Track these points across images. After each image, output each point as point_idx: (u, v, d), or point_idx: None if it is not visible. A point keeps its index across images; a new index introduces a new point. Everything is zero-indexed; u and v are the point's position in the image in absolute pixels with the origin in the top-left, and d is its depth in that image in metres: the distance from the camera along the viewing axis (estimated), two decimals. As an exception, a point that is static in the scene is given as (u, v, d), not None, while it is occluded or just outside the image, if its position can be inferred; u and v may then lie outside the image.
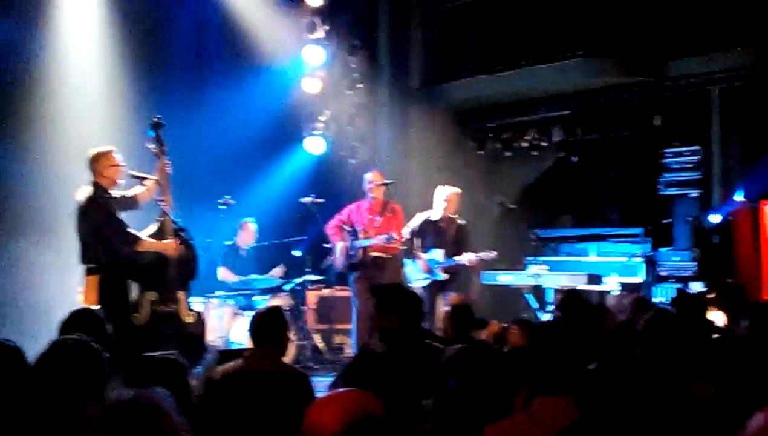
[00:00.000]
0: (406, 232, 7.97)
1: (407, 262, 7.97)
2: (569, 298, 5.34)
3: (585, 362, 2.63)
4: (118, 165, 5.89)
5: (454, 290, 7.58)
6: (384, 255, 7.78)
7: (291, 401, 3.85)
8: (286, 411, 3.77)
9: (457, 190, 8.03)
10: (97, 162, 5.86)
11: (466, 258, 7.69)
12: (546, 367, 2.70)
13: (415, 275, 7.90)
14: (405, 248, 7.91)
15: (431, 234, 7.91)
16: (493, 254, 7.89)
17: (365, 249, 7.80)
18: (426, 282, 7.80)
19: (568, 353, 2.73)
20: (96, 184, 5.83)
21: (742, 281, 6.91)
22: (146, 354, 3.66)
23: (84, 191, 5.81)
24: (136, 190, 6.13)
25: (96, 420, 1.96)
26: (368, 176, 7.92)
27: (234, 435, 3.84)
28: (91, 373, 2.73)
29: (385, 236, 7.64)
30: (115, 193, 5.96)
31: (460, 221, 8.02)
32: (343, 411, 2.04)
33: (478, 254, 7.77)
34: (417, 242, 7.89)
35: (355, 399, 2.08)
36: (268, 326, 4.13)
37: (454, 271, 7.87)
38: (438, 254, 7.81)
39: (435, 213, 7.97)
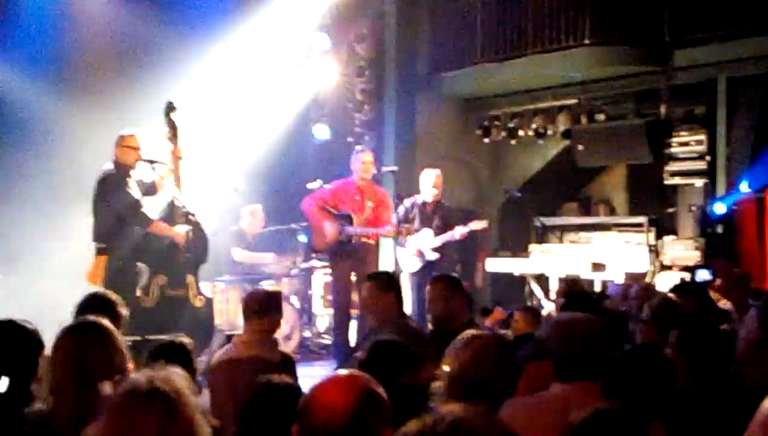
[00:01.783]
0: (393, 218, 7.81)
1: (398, 249, 7.95)
2: (571, 286, 5.40)
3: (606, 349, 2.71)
4: (131, 147, 5.99)
5: (446, 271, 7.56)
6: (369, 242, 7.61)
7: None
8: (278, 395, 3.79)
9: (438, 171, 7.96)
10: (117, 143, 6.02)
11: (457, 232, 7.64)
12: (569, 353, 2.73)
13: (408, 261, 7.89)
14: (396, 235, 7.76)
15: (419, 217, 7.87)
16: (483, 223, 7.78)
17: (357, 236, 7.47)
18: (418, 266, 7.78)
19: (591, 340, 2.77)
20: (116, 164, 5.98)
21: (742, 270, 6.94)
22: (154, 337, 3.71)
23: (103, 168, 5.94)
24: (155, 176, 6.21)
25: (112, 401, 1.99)
26: (363, 157, 7.58)
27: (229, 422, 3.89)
28: (105, 354, 2.74)
29: (387, 227, 7.49)
30: (136, 176, 6.06)
31: (444, 202, 8.01)
32: (352, 392, 2.00)
33: (467, 226, 7.67)
34: (407, 227, 7.62)
35: (361, 380, 2.07)
36: (263, 308, 4.14)
37: (445, 251, 7.82)
38: (427, 235, 7.77)
39: (422, 197, 7.93)
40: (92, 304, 3.82)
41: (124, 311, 3.91)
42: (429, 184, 7.89)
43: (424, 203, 7.93)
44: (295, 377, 4.00)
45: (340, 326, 7.47)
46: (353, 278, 7.51)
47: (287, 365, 4.05)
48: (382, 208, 7.63)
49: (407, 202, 7.96)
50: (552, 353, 2.79)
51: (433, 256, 7.72)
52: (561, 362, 2.75)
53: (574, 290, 6.18)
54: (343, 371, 2.17)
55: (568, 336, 2.78)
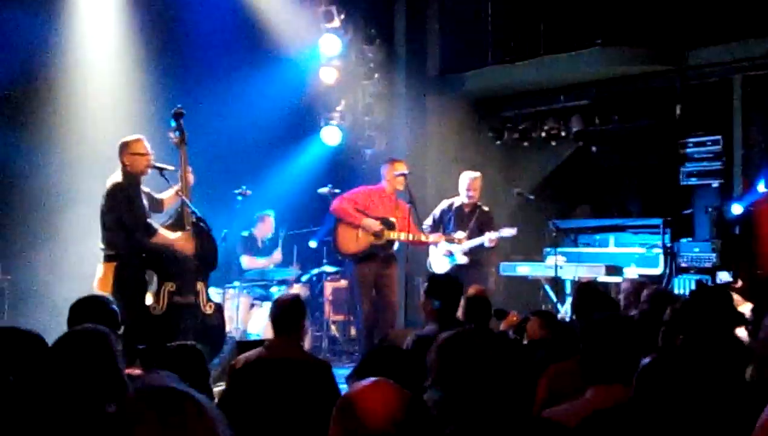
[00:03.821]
0: (428, 219, 7.94)
1: (431, 249, 7.89)
2: (584, 287, 5.31)
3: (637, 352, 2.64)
4: (141, 154, 5.89)
5: (474, 278, 7.49)
6: (389, 252, 7.57)
7: (314, 389, 3.87)
8: (309, 399, 3.79)
9: (478, 174, 7.97)
10: (121, 151, 5.91)
11: (486, 238, 7.60)
12: (600, 357, 2.71)
13: (439, 261, 7.84)
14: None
15: (454, 219, 7.85)
16: (513, 230, 7.74)
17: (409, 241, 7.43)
18: (448, 267, 7.73)
19: (622, 343, 2.74)
20: (123, 173, 5.88)
21: (764, 272, 6.84)
22: (163, 343, 3.66)
23: (112, 178, 5.86)
24: (165, 194, 6.15)
25: (124, 410, 1.94)
26: (398, 166, 7.50)
27: (258, 423, 3.85)
28: (104, 363, 2.68)
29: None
30: (146, 189, 5.99)
31: (483, 207, 7.97)
32: (395, 397, 2.03)
33: (498, 232, 7.65)
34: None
35: (396, 386, 2.06)
36: (291, 315, 4.15)
37: (476, 256, 7.77)
38: (460, 236, 7.71)
39: (460, 199, 7.92)
40: (86, 308, 3.74)
41: (119, 313, 3.83)
42: (464, 186, 7.87)
43: (462, 206, 7.88)
44: (334, 381, 4.05)
45: (368, 331, 7.38)
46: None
47: (323, 368, 4.09)
48: (404, 219, 7.42)
49: (445, 203, 7.96)
50: (584, 355, 2.77)
51: (463, 259, 7.68)
52: (593, 364, 2.73)
53: (588, 289, 6.09)
54: (374, 379, 2.16)
55: (601, 338, 2.76)
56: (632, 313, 5.00)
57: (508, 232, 7.72)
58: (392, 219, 7.40)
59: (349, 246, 7.46)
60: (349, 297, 7.95)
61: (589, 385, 2.71)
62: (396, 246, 7.58)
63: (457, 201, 7.95)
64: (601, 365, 2.69)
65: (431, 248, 7.88)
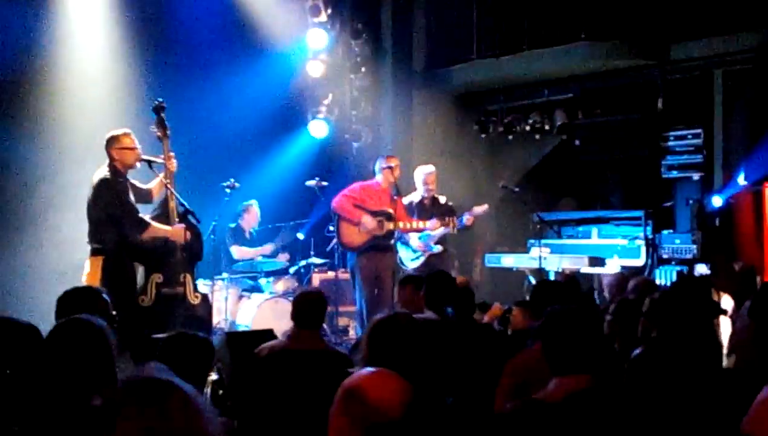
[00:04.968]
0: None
1: (399, 246, 7.98)
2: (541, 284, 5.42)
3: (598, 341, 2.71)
4: (128, 148, 5.93)
5: (447, 264, 7.63)
6: (389, 242, 7.71)
7: (337, 380, 3.96)
8: (331, 390, 3.88)
9: (433, 168, 8.06)
10: (109, 145, 5.93)
11: (465, 218, 7.70)
12: (561, 348, 2.71)
13: (409, 257, 7.94)
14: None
15: (417, 214, 7.90)
16: (484, 206, 7.86)
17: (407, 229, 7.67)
18: (420, 261, 7.85)
19: (583, 332, 2.74)
20: (111, 167, 5.89)
21: (743, 263, 6.94)
22: (157, 335, 3.70)
23: (99, 173, 5.88)
24: (152, 184, 6.21)
25: (109, 401, 1.97)
26: (392, 161, 7.66)
27: (279, 412, 3.95)
28: (99, 353, 2.70)
29: (433, 221, 7.58)
30: (134, 181, 6.04)
31: (440, 198, 8.06)
32: (399, 384, 2.10)
33: (471, 212, 7.76)
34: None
35: (396, 375, 2.10)
36: (316, 309, 4.29)
37: (446, 243, 7.93)
38: (438, 223, 7.77)
39: (417, 194, 8.03)
40: (75, 299, 3.71)
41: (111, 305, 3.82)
42: (421, 180, 7.99)
43: (422, 200, 8.00)
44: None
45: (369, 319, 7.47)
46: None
47: (345, 360, 4.15)
48: (400, 210, 7.69)
49: (405, 200, 8.00)
50: (545, 346, 2.77)
51: (437, 248, 7.80)
52: (554, 355, 2.73)
53: (544, 282, 6.20)
54: (377, 369, 2.18)
55: (560, 329, 2.76)
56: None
57: (480, 208, 7.84)
58: (390, 211, 7.54)
59: (353, 239, 7.62)
60: (351, 287, 8.01)
61: (553, 375, 2.71)
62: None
63: (416, 196, 8.04)
64: (562, 355, 2.68)
65: (399, 247, 7.95)
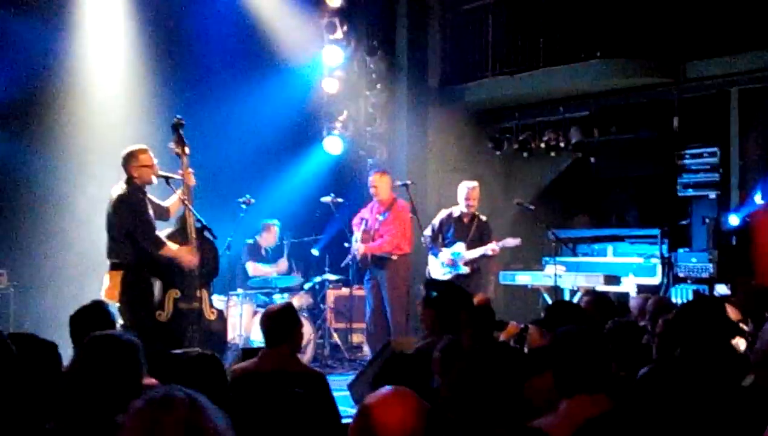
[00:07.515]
0: (427, 230, 8.08)
1: (430, 257, 8.01)
2: (597, 300, 5.37)
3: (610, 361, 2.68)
4: (147, 165, 5.95)
5: (475, 286, 7.63)
6: (391, 257, 7.77)
7: (308, 400, 3.89)
8: (304, 411, 3.82)
9: (476, 184, 8.11)
10: (127, 162, 5.95)
11: (489, 248, 7.73)
12: (570, 368, 2.70)
13: (438, 270, 7.94)
14: (428, 244, 7.94)
15: (454, 229, 7.96)
16: (516, 241, 7.92)
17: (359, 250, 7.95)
18: (448, 276, 7.84)
19: (593, 352, 2.73)
20: (129, 183, 5.92)
21: (760, 283, 6.89)
22: (176, 351, 3.70)
23: (117, 189, 5.92)
24: (170, 201, 6.23)
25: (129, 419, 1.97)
26: (370, 180, 7.98)
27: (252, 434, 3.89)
28: (129, 370, 2.69)
29: (378, 242, 7.81)
30: (151, 197, 6.07)
31: (481, 217, 8.08)
32: (413, 407, 2.01)
33: (500, 242, 7.81)
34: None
35: (412, 395, 2.06)
36: (281, 325, 4.04)
37: (476, 267, 7.92)
38: (460, 248, 7.85)
39: (457, 208, 8.04)
40: (88, 316, 3.78)
41: (119, 321, 3.87)
42: (463, 196, 8.00)
43: (461, 215, 7.99)
44: (328, 392, 4.01)
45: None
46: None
47: (316, 379, 3.99)
48: (395, 220, 7.77)
49: (444, 212, 8.08)
50: (555, 368, 2.76)
51: (465, 269, 7.81)
52: (564, 377, 2.72)
53: (560, 302, 6.18)
54: (389, 389, 2.14)
55: (568, 350, 2.75)
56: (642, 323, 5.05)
57: (512, 242, 7.88)
58: (355, 230, 8.03)
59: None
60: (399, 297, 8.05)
61: (562, 398, 2.69)
62: None
63: (455, 211, 8.07)
64: (572, 377, 2.67)
65: (430, 257, 8.00)
